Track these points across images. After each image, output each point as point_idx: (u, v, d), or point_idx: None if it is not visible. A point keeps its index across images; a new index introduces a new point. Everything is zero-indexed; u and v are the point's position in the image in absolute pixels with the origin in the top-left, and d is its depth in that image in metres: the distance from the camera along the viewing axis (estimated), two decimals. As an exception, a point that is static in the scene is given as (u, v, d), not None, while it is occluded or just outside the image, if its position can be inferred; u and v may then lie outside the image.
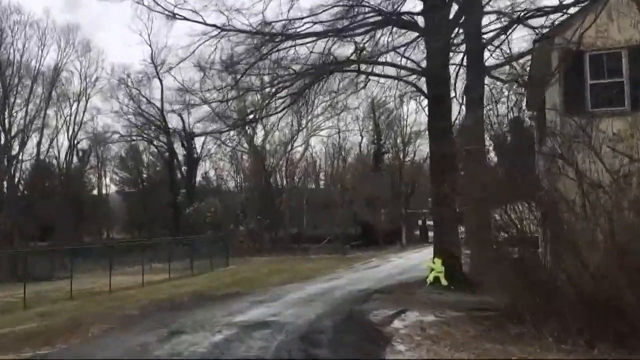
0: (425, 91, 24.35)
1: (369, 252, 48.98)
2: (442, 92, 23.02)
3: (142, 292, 24.80)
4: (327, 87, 25.10)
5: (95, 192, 69.89)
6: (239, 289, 23.44)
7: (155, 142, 65.16)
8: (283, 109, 25.16)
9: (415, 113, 65.42)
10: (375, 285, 22.54)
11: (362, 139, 66.17)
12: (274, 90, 23.77)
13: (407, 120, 62.64)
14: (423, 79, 24.43)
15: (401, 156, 63.10)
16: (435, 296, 18.42)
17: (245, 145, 62.67)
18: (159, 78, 58.46)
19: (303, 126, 63.82)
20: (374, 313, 15.28)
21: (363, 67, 25.25)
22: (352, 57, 24.41)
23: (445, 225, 21.81)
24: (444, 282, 20.40)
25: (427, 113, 24.92)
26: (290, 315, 15.26)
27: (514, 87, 22.90)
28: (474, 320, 13.11)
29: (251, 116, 29.48)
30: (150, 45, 61.34)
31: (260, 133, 62.69)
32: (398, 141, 63.61)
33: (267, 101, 24.37)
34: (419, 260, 37.30)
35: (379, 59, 24.52)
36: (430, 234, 74.55)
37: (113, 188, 73.16)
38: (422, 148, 66.15)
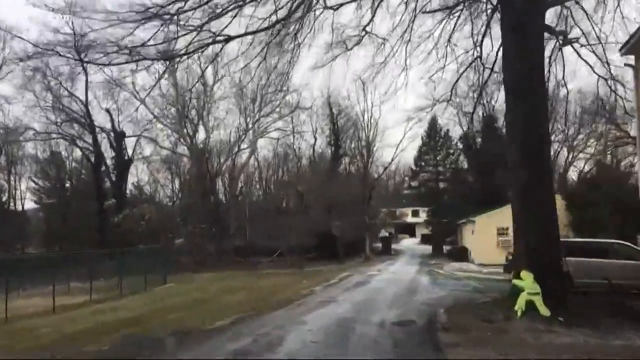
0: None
1: (330, 266, 43.61)
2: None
3: (50, 321, 17.60)
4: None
5: (4, 198, 59.80)
6: (185, 315, 16.62)
7: (79, 143, 56.20)
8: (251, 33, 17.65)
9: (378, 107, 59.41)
10: (410, 314, 15.52)
11: (315, 140, 60.00)
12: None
13: (371, 117, 56.84)
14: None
15: (365, 157, 56.95)
16: (546, 337, 11.43)
17: (185, 148, 55.60)
18: (83, 67, 50.95)
19: (250, 126, 57.50)
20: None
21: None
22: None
23: (537, 224, 15.36)
24: (544, 311, 13.29)
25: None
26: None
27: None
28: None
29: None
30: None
31: (202, 133, 55.80)
32: (361, 141, 57.45)
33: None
34: (408, 274, 31.30)
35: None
36: (396, 245, 70.74)
37: (29, 196, 63.57)
38: (386, 153, 60.92)
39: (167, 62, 17.63)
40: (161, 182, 59.68)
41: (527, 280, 13.67)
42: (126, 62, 15.98)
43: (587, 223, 32.39)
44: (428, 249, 61.63)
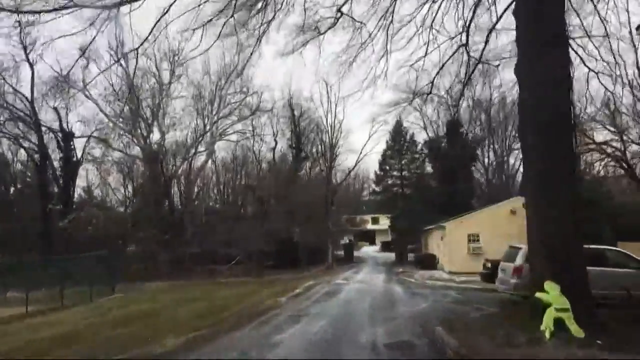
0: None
1: (291, 274, 41.35)
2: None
3: (-30, 339, 14.96)
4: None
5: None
6: (131, 331, 14.29)
7: (24, 143, 52.32)
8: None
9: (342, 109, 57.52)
10: (401, 332, 13.12)
11: (276, 144, 57.67)
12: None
13: (334, 119, 54.96)
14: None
15: (328, 161, 54.87)
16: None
17: (138, 149, 52.52)
18: (28, 62, 47.72)
19: (208, 128, 54.91)
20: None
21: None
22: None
23: (561, 224, 12.99)
24: (576, 331, 10.95)
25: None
26: None
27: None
28: None
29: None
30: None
31: (156, 134, 52.85)
32: (324, 144, 55.44)
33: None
34: (378, 283, 29.40)
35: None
36: (356, 253, 68.86)
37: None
38: (351, 157, 58.95)
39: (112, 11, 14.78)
40: (112, 185, 56.23)
41: (553, 294, 11.33)
42: (47, 11, 13.36)
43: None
44: (390, 256, 60.02)
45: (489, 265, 25.13)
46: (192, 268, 44.39)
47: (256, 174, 57.98)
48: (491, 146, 59.92)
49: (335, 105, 55.23)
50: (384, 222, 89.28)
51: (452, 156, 52.58)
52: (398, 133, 56.83)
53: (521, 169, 60.63)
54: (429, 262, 41.05)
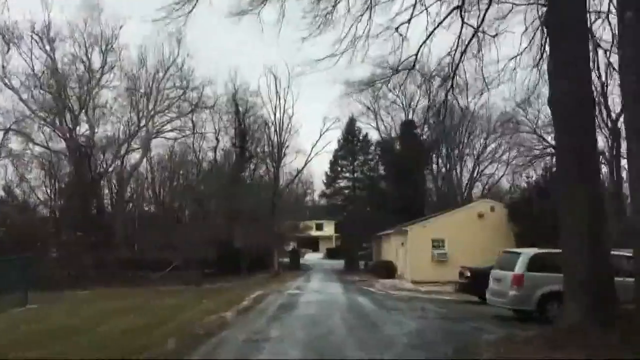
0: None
1: (233, 282, 37.43)
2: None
3: None
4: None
5: None
6: (40, 355, 10.21)
7: None
8: None
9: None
10: None
11: (218, 142, 53.34)
12: None
13: (283, 115, 51.21)
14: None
15: (275, 160, 50.97)
16: None
17: (63, 144, 47.27)
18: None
19: (143, 123, 50.30)
20: None
21: None
22: None
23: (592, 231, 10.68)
24: None
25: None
26: None
27: None
28: None
29: None
30: None
31: (84, 128, 47.85)
32: (272, 143, 51.51)
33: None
34: (336, 293, 25.96)
35: None
36: (302, 260, 64.80)
37: None
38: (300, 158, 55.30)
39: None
40: (32, 183, 50.47)
41: None
42: None
43: (537, 235, 28.39)
44: (337, 263, 56.68)
45: (468, 273, 21.98)
46: (123, 275, 39.78)
47: (196, 174, 53.50)
48: (442, 152, 57.72)
49: (285, 101, 51.21)
50: (328, 229, 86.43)
51: (405, 159, 49.97)
52: (351, 132, 53.60)
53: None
54: (387, 270, 37.57)
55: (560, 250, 16.61)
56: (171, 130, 52.52)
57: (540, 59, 16.33)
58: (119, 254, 42.48)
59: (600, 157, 43.88)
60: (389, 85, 18.25)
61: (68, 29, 47.23)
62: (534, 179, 33.94)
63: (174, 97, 51.74)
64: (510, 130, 49.98)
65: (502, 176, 58.48)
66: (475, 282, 21.39)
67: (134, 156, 51.82)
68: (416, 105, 54.70)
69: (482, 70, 16.45)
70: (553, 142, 47.42)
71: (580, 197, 10.81)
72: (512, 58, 17.09)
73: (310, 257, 73.69)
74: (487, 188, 60.13)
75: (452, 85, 16.17)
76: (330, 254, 74.36)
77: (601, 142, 43.66)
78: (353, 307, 19.77)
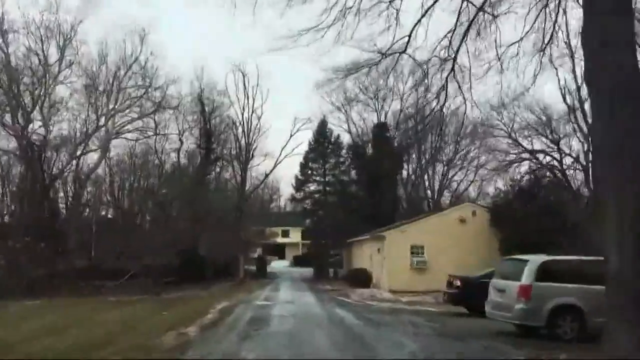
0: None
1: (196, 291, 35.01)
2: None
3: None
4: None
5: None
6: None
7: None
8: None
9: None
10: None
11: (182, 143, 50.45)
12: None
13: (252, 115, 48.81)
14: None
15: (242, 162, 48.41)
16: None
17: (15, 143, 44.03)
18: None
19: (102, 123, 47.30)
20: None
21: None
22: None
23: None
24: None
25: None
26: None
27: None
28: None
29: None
30: None
31: (38, 126, 44.65)
32: (239, 144, 48.98)
33: None
34: (310, 304, 23.77)
35: None
36: (268, 268, 62.28)
37: None
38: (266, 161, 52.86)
39: None
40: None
41: None
42: None
43: (522, 240, 26.74)
44: (305, 271, 54.38)
45: (458, 283, 20.00)
46: (77, 284, 36.80)
47: (158, 177, 50.62)
48: (413, 157, 56.15)
49: (254, 100, 48.73)
50: (295, 235, 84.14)
51: (378, 162, 48.13)
52: (322, 133, 51.27)
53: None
54: (361, 278, 35.27)
55: (573, 258, 14.89)
56: (132, 131, 49.67)
57: (548, 42, 14.55)
58: (74, 261, 39.56)
59: (575, 162, 43.14)
60: (377, 70, 16.07)
61: (23, 22, 44.22)
62: (519, 182, 32.25)
63: (136, 97, 49.08)
64: (482, 135, 49.07)
65: (470, 183, 57.88)
66: (466, 292, 19.52)
67: (92, 157, 48.70)
68: (389, 108, 53.11)
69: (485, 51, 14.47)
70: (528, 147, 46.76)
71: (630, 197, 8.89)
72: (515, 42, 15.22)
73: (277, 265, 71.35)
74: (455, 196, 59.40)
75: (452, 68, 14.17)
76: (297, 261, 72.42)
77: (575, 146, 43.09)
78: (334, 321, 17.50)
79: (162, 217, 45.19)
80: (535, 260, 14.05)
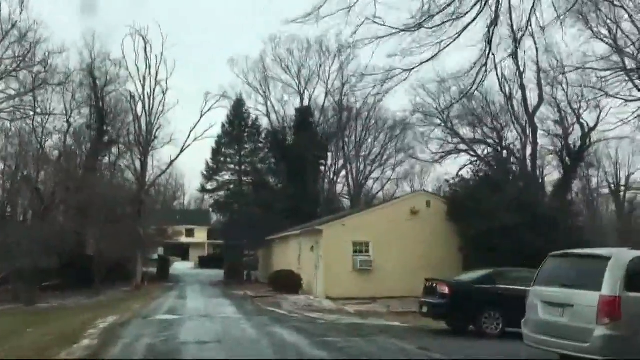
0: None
1: (82, 298, 29.70)
2: None
3: None
4: None
5: None
6: None
7: None
8: None
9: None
10: None
11: (70, 125, 42.25)
12: None
13: (153, 91, 41.62)
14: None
15: (143, 144, 40.95)
16: None
17: None
18: None
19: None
20: None
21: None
22: None
23: None
24: None
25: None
26: None
27: None
28: None
29: None
30: None
31: None
32: (138, 121, 41.48)
33: None
34: (236, 319, 17.68)
35: None
36: (173, 268, 55.50)
37: None
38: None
39: None
40: None
41: None
42: None
43: (487, 235, 22.33)
44: (213, 274, 48.10)
45: (445, 290, 14.48)
46: None
47: (37, 162, 42.41)
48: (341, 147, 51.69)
49: (157, 72, 41.10)
50: (200, 235, 77.71)
51: (300, 152, 42.80)
52: (238, 115, 44.81)
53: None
54: (289, 283, 29.02)
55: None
56: (7, 110, 41.31)
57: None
58: None
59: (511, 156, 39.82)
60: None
61: None
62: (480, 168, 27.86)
63: (12, 70, 40.81)
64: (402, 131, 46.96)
65: (388, 180, 54.82)
66: (455, 303, 14.24)
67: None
68: (314, 90, 47.91)
69: None
70: (465, 137, 43.32)
71: None
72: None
73: (180, 267, 64.45)
74: (374, 193, 56.80)
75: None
76: (203, 262, 66.95)
77: (511, 138, 40.23)
78: (284, 351, 11.49)
79: (40, 208, 37.50)
80: (620, 256, 8.78)
